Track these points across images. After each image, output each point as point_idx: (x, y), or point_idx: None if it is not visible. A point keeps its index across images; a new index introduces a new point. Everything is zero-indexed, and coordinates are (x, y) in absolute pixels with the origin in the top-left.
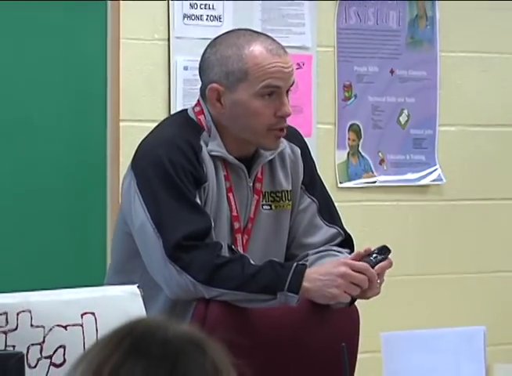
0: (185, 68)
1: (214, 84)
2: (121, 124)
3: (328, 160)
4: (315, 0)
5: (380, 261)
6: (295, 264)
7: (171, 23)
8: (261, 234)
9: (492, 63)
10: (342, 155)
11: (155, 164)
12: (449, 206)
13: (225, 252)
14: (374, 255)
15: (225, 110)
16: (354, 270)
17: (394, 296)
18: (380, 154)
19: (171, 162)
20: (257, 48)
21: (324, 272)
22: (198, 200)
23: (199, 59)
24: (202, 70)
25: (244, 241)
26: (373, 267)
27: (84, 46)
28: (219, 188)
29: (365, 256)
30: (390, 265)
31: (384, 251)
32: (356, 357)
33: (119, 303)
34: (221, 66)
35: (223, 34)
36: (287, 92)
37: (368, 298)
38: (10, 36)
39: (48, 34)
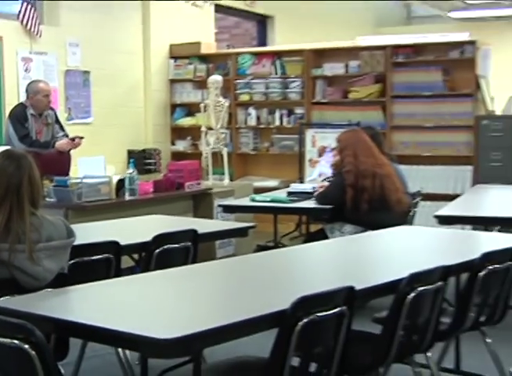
0: (26, 91)
1: (30, 94)
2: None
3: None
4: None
5: (76, 139)
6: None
7: None
8: (44, 134)
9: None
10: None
11: (14, 116)
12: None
13: (34, 139)
14: (75, 139)
15: (33, 102)
16: (68, 143)
17: None
18: None
19: (19, 115)
20: (40, 84)
21: (64, 142)
22: (27, 126)
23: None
24: (27, 91)
25: (39, 137)
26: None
27: None
28: (32, 123)
29: (74, 138)
30: (77, 144)
31: (81, 137)
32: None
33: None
34: (30, 90)
35: (31, 82)
36: (48, 97)
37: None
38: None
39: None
